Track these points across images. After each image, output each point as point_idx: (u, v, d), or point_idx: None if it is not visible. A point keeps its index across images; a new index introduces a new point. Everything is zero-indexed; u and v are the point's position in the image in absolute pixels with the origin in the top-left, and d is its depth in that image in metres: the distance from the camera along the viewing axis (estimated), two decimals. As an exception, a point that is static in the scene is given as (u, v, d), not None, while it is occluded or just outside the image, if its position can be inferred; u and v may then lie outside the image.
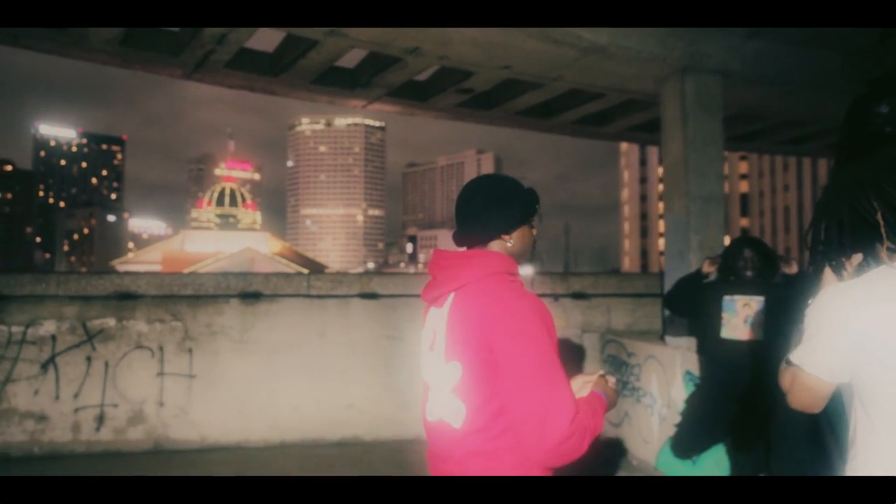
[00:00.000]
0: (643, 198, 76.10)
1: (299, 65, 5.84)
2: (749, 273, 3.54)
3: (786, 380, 1.30)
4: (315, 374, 5.83)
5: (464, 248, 1.48)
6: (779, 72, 5.60)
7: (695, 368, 4.36)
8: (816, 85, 5.96)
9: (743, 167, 66.12)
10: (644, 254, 75.30)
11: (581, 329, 6.70)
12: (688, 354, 4.65)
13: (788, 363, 1.30)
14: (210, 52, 5.45)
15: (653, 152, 73.12)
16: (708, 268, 3.70)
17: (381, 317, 6.09)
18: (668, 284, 4.93)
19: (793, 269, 3.68)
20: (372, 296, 6.12)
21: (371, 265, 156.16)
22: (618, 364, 5.76)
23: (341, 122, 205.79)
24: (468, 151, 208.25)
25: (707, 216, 5.29)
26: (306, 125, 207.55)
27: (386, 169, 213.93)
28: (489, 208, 1.43)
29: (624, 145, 75.76)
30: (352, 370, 5.93)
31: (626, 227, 78.40)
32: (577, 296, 6.75)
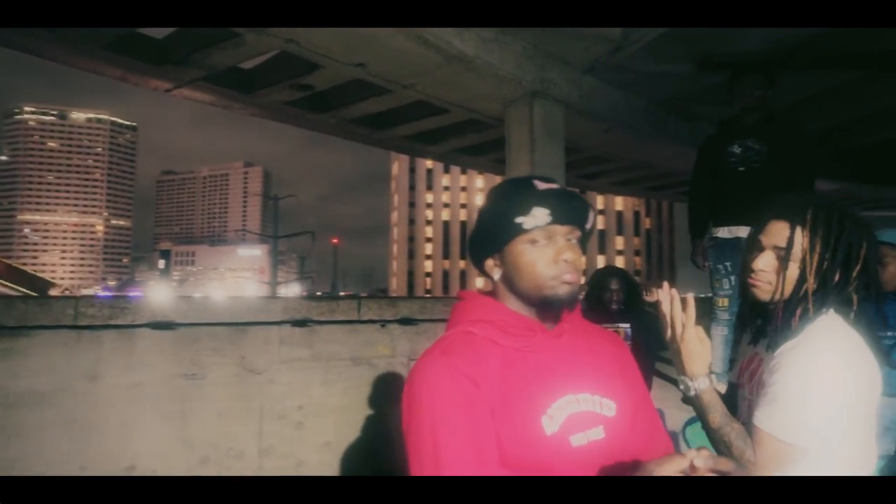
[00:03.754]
0: (412, 221, 79.77)
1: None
2: (615, 306, 3.57)
3: (769, 461, 1.11)
4: (81, 432, 4.36)
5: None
6: (604, 108, 6.06)
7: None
8: (626, 125, 6.60)
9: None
10: (411, 274, 78.69)
11: (409, 357, 6.28)
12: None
13: (758, 431, 1.12)
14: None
15: (421, 178, 77.36)
16: None
17: (178, 351, 4.85)
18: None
19: (653, 296, 3.77)
20: (167, 325, 4.86)
21: (112, 283, 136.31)
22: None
23: (80, 115, 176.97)
24: (235, 163, 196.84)
25: (554, 240, 5.34)
26: (30, 115, 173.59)
27: (136, 175, 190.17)
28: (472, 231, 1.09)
29: (395, 169, 78.93)
30: (135, 421, 4.60)
31: (395, 248, 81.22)
32: (405, 321, 6.32)
